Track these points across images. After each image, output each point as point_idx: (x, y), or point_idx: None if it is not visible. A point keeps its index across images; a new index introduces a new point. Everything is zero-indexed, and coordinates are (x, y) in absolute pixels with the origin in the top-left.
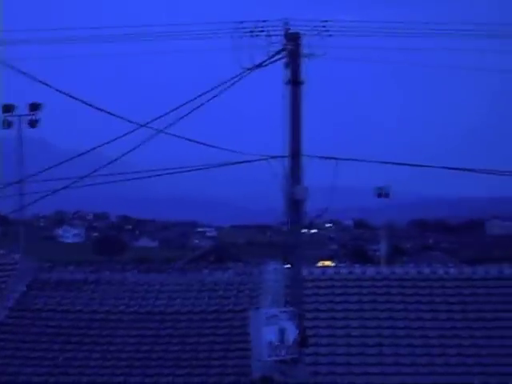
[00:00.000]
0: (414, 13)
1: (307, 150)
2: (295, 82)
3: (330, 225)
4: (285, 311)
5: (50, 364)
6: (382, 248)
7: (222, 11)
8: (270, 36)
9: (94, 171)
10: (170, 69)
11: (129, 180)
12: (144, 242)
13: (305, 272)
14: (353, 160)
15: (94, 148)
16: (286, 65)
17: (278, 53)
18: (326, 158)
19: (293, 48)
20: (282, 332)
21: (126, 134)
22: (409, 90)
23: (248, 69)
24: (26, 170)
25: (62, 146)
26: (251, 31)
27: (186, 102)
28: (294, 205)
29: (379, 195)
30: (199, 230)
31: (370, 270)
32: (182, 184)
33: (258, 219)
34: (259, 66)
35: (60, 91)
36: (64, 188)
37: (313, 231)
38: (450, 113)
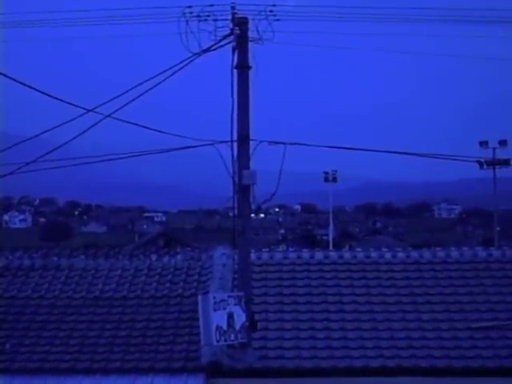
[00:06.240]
0: None
1: (255, 134)
2: (243, 67)
3: (278, 209)
4: (233, 296)
5: None
6: (330, 232)
7: None
8: (217, 21)
9: (41, 156)
10: (118, 53)
11: (76, 165)
12: (92, 228)
13: (253, 257)
14: (300, 144)
15: (41, 133)
16: (234, 49)
17: (225, 37)
18: (274, 142)
19: (240, 32)
20: (230, 317)
21: (72, 119)
22: (358, 75)
23: (196, 53)
24: None
25: (7, 131)
26: (198, 16)
27: (134, 87)
28: (242, 189)
29: (327, 180)
30: (147, 215)
31: (318, 255)
32: (129, 169)
33: (205, 204)
34: (207, 50)
35: (4, 75)
36: (10, 173)
37: (261, 216)
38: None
